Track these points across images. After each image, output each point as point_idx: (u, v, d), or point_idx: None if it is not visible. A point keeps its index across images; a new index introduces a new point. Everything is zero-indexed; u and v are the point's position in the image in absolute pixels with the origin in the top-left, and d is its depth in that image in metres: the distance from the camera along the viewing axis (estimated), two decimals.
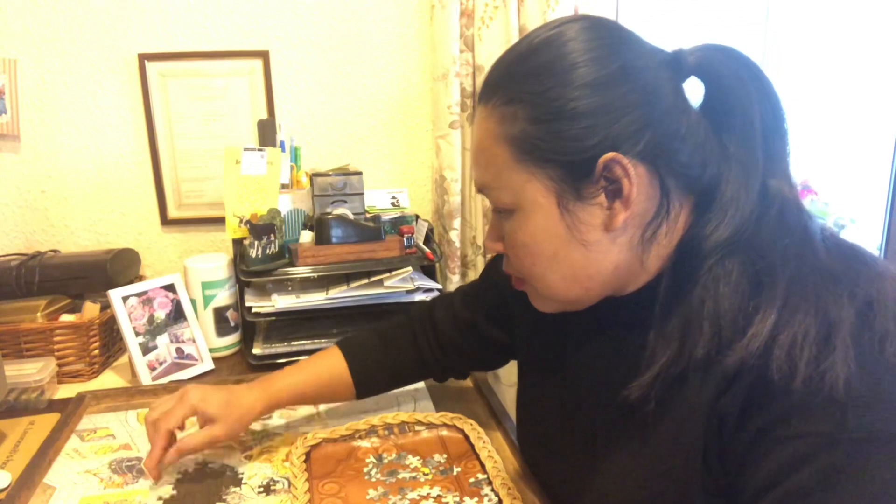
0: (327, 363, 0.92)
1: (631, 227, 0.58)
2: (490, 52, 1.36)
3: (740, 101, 0.58)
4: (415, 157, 1.54)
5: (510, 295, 0.80)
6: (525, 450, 0.85)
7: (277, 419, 0.99)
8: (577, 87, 0.55)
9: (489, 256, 1.45)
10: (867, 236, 1.95)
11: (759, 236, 0.56)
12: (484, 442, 0.89)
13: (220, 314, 1.23)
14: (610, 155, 0.55)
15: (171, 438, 0.83)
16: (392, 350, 0.94)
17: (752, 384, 0.51)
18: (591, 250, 0.59)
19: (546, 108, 0.56)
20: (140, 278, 1.41)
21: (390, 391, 0.99)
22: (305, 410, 1.01)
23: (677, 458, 0.56)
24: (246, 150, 1.23)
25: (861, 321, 0.49)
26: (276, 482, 0.83)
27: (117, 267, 1.29)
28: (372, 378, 0.93)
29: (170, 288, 1.20)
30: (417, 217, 1.34)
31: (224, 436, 0.84)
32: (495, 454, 0.86)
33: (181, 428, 0.85)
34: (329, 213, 1.23)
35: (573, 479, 0.70)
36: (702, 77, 0.60)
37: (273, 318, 1.18)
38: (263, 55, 1.42)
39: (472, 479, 0.82)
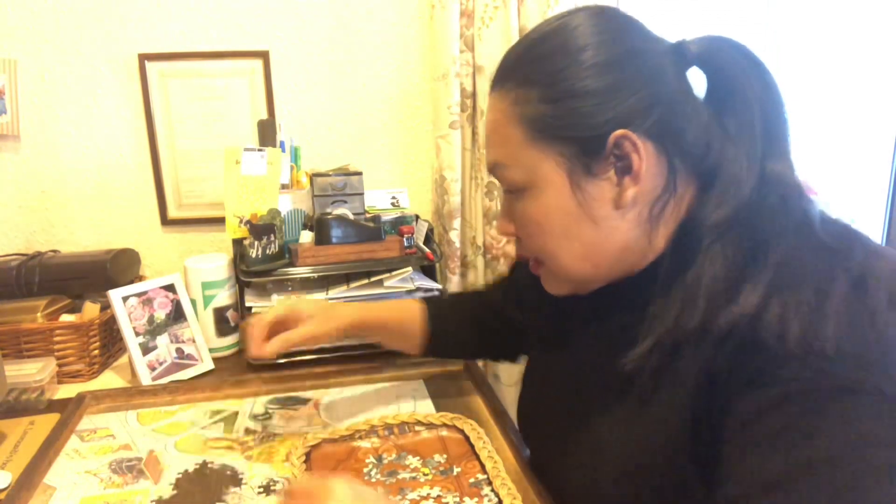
0: (409, 311, 0.96)
1: (640, 204, 0.60)
2: (490, 52, 1.36)
3: (741, 87, 0.59)
4: (415, 157, 1.54)
5: (522, 275, 0.83)
6: (522, 420, 0.86)
7: (277, 419, 0.99)
8: (586, 67, 0.58)
9: (492, 255, 1.45)
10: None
11: (759, 217, 0.56)
12: (484, 442, 0.89)
13: (220, 314, 1.23)
14: (620, 131, 0.57)
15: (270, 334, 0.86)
16: (466, 322, 0.99)
17: (742, 344, 0.51)
18: (602, 227, 0.60)
19: (558, 87, 0.58)
20: (140, 278, 1.41)
21: (390, 390, 1.00)
22: (305, 411, 1.01)
23: (669, 428, 0.57)
24: (246, 150, 1.23)
25: (854, 295, 0.50)
26: (276, 482, 0.83)
27: (117, 267, 1.29)
28: (441, 342, 0.98)
29: (170, 288, 1.20)
30: (417, 217, 1.34)
31: (318, 332, 0.87)
32: (495, 454, 0.86)
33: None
34: (329, 213, 1.23)
35: (565, 451, 0.70)
36: (703, 66, 0.62)
37: None
38: (263, 55, 1.42)
39: (472, 480, 0.82)
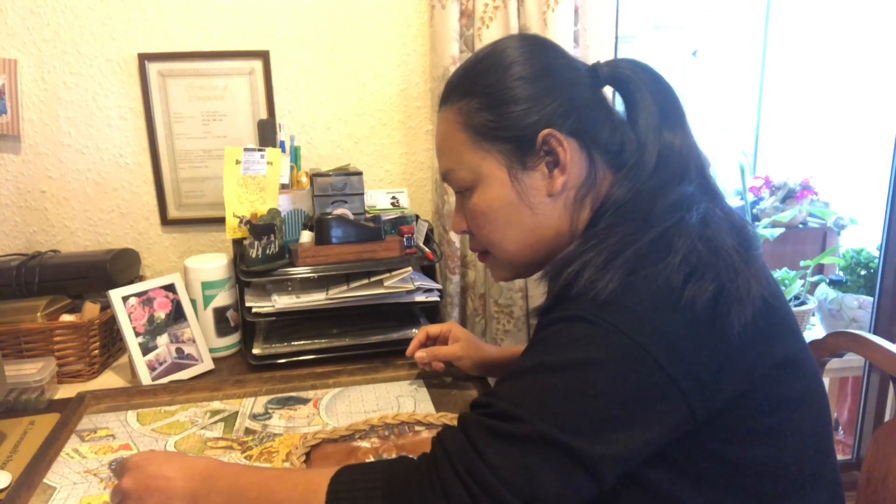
0: None
1: (567, 190, 0.71)
2: None
3: (644, 98, 0.71)
4: (415, 157, 1.54)
5: None
6: None
7: (277, 419, 0.99)
8: (515, 79, 0.70)
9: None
10: (867, 236, 1.96)
11: (638, 198, 0.67)
12: None
13: (220, 314, 1.23)
14: (547, 130, 0.69)
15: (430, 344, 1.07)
16: None
17: (557, 295, 0.65)
18: (538, 213, 0.71)
19: (493, 97, 0.70)
20: (140, 278, 1.41)
21: (390, 390, 1.01)
22: (306, 410, 1.01)
23: None
24: (246, 150, 1.23)
25: (645, 258, 0.60)
26: None
27: (117, 267, 1.29)
28: None
29: (170, 288, 1.20)
30: (417, 217, 1.34)
31: (461, 354, 1.04)
32: None
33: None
34: (329, 213, 1.23)
35: None
36: (613, 83, 0.74)
37: (273, 318, 1.18)
38: (263, 55, 1.42)
39: None
